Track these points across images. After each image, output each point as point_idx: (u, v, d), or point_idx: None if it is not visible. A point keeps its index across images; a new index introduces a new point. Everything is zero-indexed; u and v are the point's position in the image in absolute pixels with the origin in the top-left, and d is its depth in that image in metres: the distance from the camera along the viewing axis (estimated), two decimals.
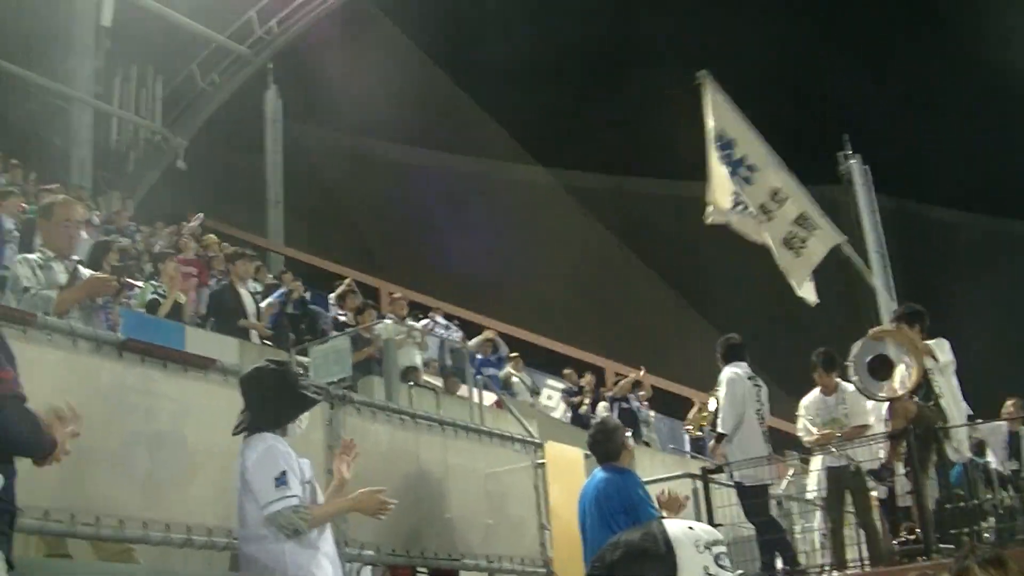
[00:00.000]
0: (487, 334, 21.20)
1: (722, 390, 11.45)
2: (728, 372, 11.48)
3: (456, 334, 20.96)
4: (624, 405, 19.73)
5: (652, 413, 21.02)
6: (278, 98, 33.71)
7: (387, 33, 32.86)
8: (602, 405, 19.99)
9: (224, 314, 15.63)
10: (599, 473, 8.47)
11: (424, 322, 19.86)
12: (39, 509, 5.88)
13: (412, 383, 14.64)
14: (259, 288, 17.35)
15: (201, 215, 22.13)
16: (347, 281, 20.41)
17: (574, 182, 35.01)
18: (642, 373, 21.30)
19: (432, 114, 33.64)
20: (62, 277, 7.53)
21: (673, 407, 22.21)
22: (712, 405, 12.30)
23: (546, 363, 24.64)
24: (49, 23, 31.14)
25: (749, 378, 11.45)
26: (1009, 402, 14.71)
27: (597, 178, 35.16)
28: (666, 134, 32.85)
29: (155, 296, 15.22)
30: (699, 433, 18.37)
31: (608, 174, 35.43)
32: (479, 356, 19.88)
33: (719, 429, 11.37)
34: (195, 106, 32.62)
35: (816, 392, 11.59)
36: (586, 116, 33.00)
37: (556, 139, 33.64)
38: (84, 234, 14.16)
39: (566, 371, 22.31)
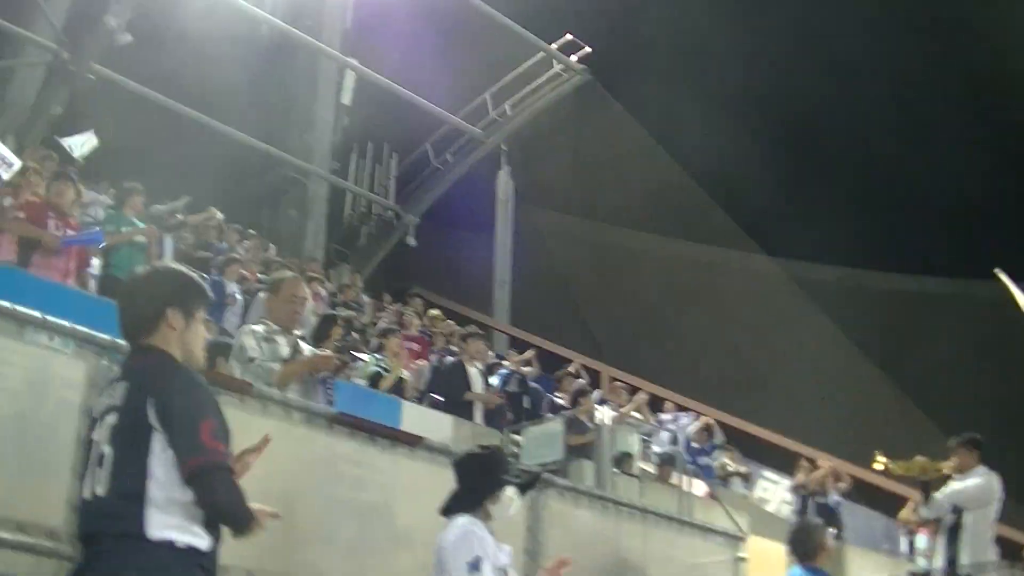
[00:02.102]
0: (704, 420, 21.02)
1: (977, 480, 11.46)
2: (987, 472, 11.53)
3: (686, 421, 20.83)
4: (820, 500, 19.21)
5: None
6: (510, 179, 34.12)
7: (618, 117, 33.07)
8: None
9: (449, 390, 15.83)
10: (795, 572, 8.38)
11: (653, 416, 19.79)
12: (242, 570, 6.08)
13: (620, 471, 14.60)
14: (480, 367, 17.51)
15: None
16: (574, 366, 20.63)
17: (803, 273, 34.61)
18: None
19: (662, 200, 33.64)
20: (285, 351, 7.79)
21: (888, 505, 21.65)
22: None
23: (763, 454, 24.34)
24: (292, 100, 32.29)
25: None
26: None
27: (826, 270, 34.69)
28: (902, 227, 32.43)
29: (378, 370, 15.57)
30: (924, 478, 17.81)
31: (839, 265, 34.93)
32: (694, 445, 19.74)
33: (927, 512, 11.44)
34: (427, 184, 33.28)
35: None
36: (817, 206, 32.66)
37: (786, 229, 33.33)
38: (311, 305, 14.61)
39: (803, 464, 21.78)
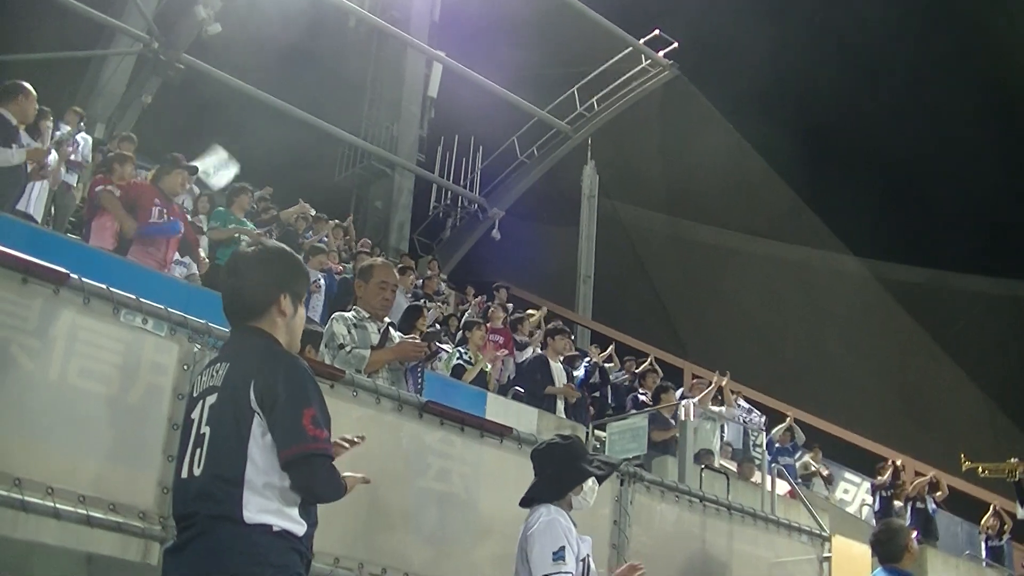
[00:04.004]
0: (787, 422, 20.90)
1: None
2: None
3: (757, 419, 20.75)
4: (919, 505, 19.13)
5: None
6: (595, 173, 34.06)
7: (706, 115, 32.99)
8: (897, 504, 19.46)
9: (532, 384, 15.86)
10: (880, 573, 8.28)
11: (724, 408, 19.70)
12: (330, 556, 6.16)
13: (705, 466, 14.56)
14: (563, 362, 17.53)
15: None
16: (649, 359, 20.64)
17: (890, 274, 34.36)
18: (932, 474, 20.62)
19: (747, 198, 33.52)
20: (374, 337, 7.80)
21: (971, 510, 21.44)
22: None
23: (845, 455, 24.18)
24: (379, 93, 32.46)
25: None
26: None
27: (910, 270, 34.41)
28: (984, 230, 32.07)
29: (460, 362, 15.64)
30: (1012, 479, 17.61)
31: (922, 267, 34.64)
32: (776, 444, 19.66)
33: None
34: (513, 178, 33.34)
35: None
36: (901, 207, 32.41)
37: (870, 229, 33.10)
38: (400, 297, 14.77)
39: (885, 464, 21.60)
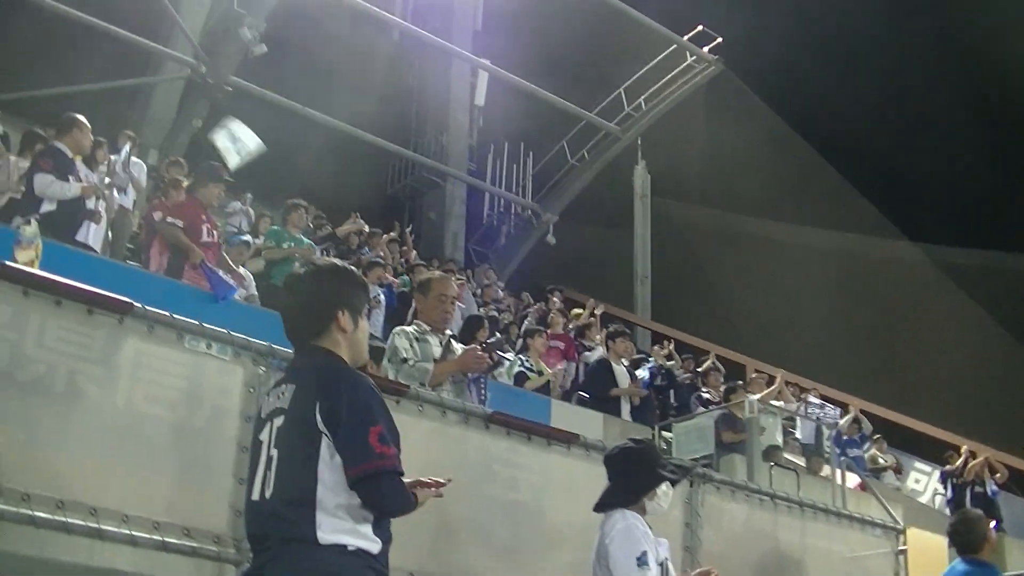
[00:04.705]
0: (852, 413, 20.71)
1: None
2: None
3: (832, 412, 20.55)
4: (978, 489, 18.84)
5: None
6: (646, 173, 33.91)
7: (754, 108, 32.77)
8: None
9: (596, 389, 15.82)
10: (959, 566, 8.15)
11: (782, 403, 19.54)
12: (404, 572, 6.14)
13: (773, 463, 14.46)
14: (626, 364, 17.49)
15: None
16: (711, 357, 20.52)
17: (947, 258, 33.98)
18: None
19: (800, 189, 33.28)
20: (436, 350, 7.81)
21: None
22: None
23: (911, 445, 23.95)
24: (427, 104, 32.56)
25: None
26: None
27: (970, 253, 34.01)
28: None
29: (523, 369, 15.62)
30: None
31: (981, 248, 34.22)
32: (844, 437, 19.48)
33: None
34: (564, 182, 33.29)
35: None
36: (955, 188, 32.08)
37: (925, 213, 32.79)
38: (459, 305, 14.83)
39: (953, 452, 21.30)
